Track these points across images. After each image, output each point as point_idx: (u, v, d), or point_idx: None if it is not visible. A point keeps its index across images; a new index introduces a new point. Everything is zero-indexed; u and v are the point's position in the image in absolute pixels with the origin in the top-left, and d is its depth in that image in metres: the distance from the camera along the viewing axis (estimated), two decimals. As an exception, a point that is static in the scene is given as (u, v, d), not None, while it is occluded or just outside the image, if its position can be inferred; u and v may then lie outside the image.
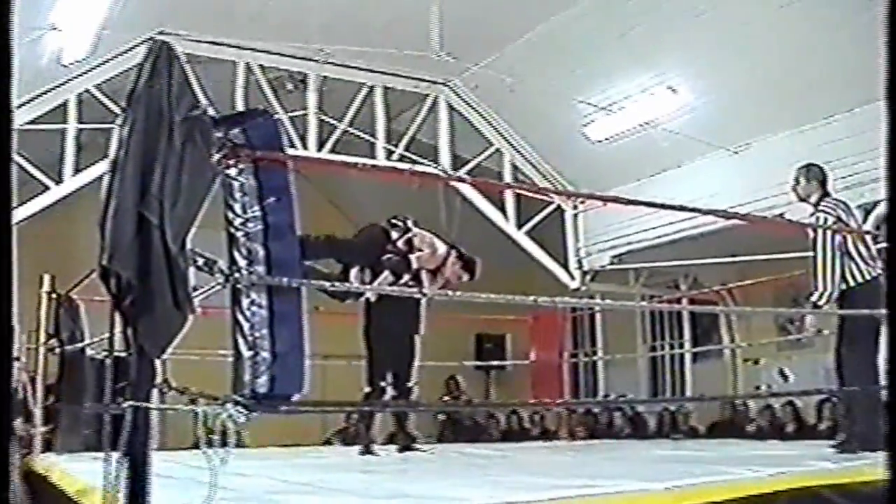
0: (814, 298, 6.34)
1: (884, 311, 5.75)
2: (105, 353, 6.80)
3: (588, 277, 13.60)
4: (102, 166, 10.07)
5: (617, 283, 14.19)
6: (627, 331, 15.90)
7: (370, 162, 11.16)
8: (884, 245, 10.23)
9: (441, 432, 14.14)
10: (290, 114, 11.33)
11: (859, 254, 6.38)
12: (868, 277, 6.30)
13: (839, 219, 6.46)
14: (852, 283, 6.28)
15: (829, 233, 6.28)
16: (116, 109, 10.26)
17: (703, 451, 7.08)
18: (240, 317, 3.38)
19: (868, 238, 7.32)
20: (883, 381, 6.17)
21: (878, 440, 5.60)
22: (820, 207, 6.58)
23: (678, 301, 14.18)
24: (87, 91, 10.65)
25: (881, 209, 9.85)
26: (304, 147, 11.32)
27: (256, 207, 3.43)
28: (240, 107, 10.46)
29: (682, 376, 15.57)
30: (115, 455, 2.80)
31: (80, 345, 7.25)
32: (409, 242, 6.98)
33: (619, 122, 11.75)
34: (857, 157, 9.83)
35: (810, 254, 9.77)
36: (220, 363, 5.23)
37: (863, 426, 6.01)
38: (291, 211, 3.52)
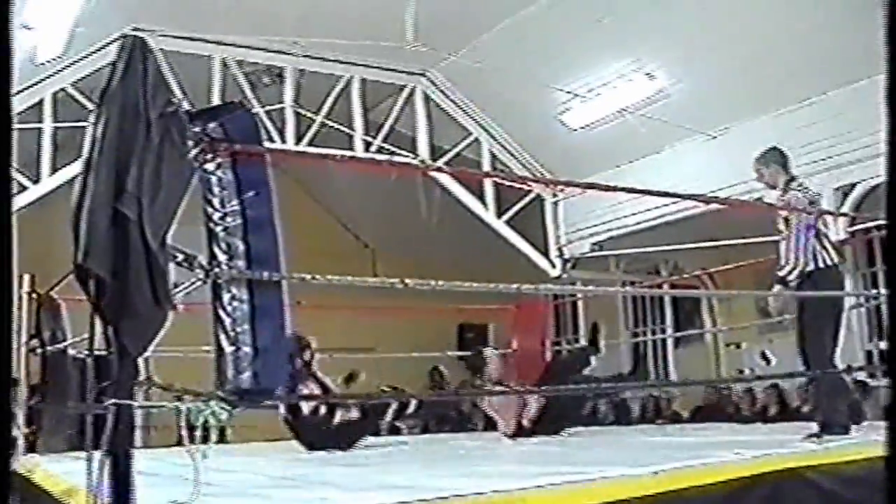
0: (782, 273, 6.26)
1: (847, 297, 5.91)
2: (87, 353, 6.77)
3: (569, 265, 13.62)
4: (79, 165, 10.12)
5: (597, 271, 14.20)
6: (609, 317, 15.93)
7: (348, 153, 11.15)
8: (858, 227, 10.37)
9: (426, 423, 14.12)
10: (267, 108, 11.30)
11: (827, 238, 6.40)
12: (831, 263, 6.29)
13: (812, 201, 6.42)
14: (821, 265, 6.23)
15: (807, 218, 6.22)
16: (92, 107, 10.20)
17: (688, 436, 7.10)
18: (221, 312, 3.36)
19: (832, 225, 7.53)
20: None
21: (841, 423, 5.84)
22: (792, 188, 6.49)
23: (659, 287, 14.22)
24: (63, 90, 10.59)
25: (858, 192, 9.91)
26: (283, 140, 11.30)
27: (235, 202, 3.41)
28: (216, 102, 10.42)
29: (664, 362, 15.63)
30: (98, 454, 2.78)
31: (61, 345, 7.20)
32: None
33: (597, 109, 11.77)
34: (834, 140, 9.90)
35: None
36: (202, 360, 5.22)
37: (829, 411, 6.09)
38: (270, 204, 3.50)
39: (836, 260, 6.38)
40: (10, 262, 2.19)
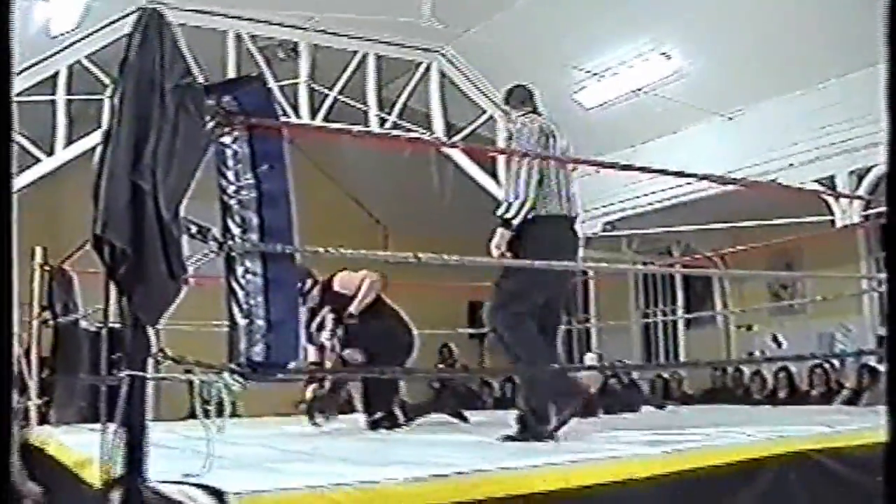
0: (500, 212, 5.17)
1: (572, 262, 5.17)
2: (99, 325, 6.80)
3: (581, 244, 13.60)
4: (94, 138, 10.17)
5: (609, 250, 14.19)
6: (620, 297, 15.94)
7: (366, 129, 11.15)
8: (872, 211, 10.32)
9: (435, 400, 14.17)
10: (282, 83, 11.27)
11: (557, 184, 5.25)
12: (558, 213, 5.24)
13: (548, 133, 5.38)
14: (537, 214, 5.15)
15: (529, 143, 5.28)
16: (107, 80, 10.23)
17: (698, 417, 7.10)
18: (234, 285, 3.38)
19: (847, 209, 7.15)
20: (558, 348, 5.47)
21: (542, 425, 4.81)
22: (521, 118, 5.54)
23: (671, 267, 14.21)
24: (78, 62, 10.59)
25: (873, 175, 9.86)
26: (297, 116, 11.28)
27: (250, 175, 3.42)
28: (231, 76, 10.41)
29: (675, 343, 15.63)
30: (111, 426, 2.79)
31: (73, 317, 7.23)
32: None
33: (613, 89, 11.74)
34: (851, 123, 9.84)
35: (801, 219, 9.87)
36: (213, 333, 5.23)
37: (528, 409, 4.98)
38: (285, 178, 3.51)
39: (564, 211, 5.29)
40: (10, 261, 2.20)
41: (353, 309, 6.55)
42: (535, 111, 5.62)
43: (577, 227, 5.51)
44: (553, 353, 5.39)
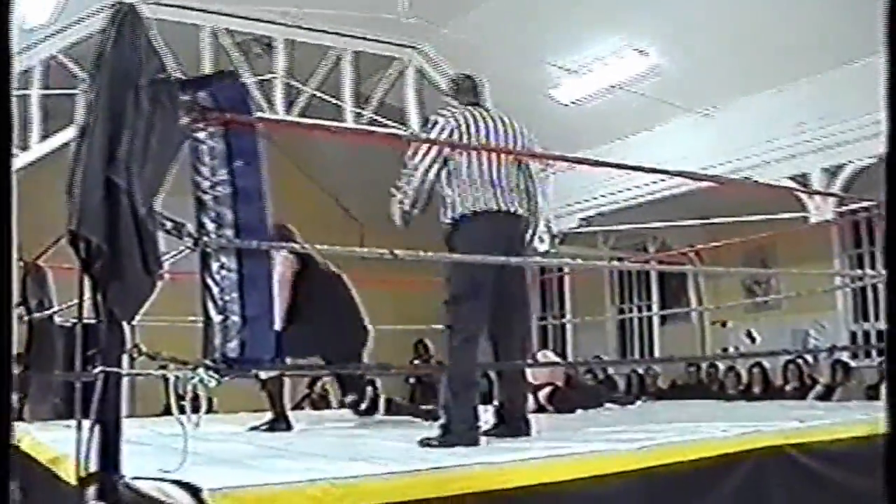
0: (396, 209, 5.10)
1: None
2: (74, 321, 6.76)
3: (556, 240, 13.63)
4: (69, 132, 10.05)
5: (585, 246, 14.23)
6: (596, 294, 16.00)
7: (342, 125, 11.15)
8: (846, 209, 10.39)
9: (412, 395, 14.19)
10: (257, 78, 11.24)
11: (484, 180, 4.89)
12: (486, 208, 4.87)
13: (465, 127, 5.02)
14: (464, 212, 4.87)
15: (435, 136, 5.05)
16: (82, 75, 10.16)
17: (672, 412, 7.13)
18: (209, 281, 3.37)
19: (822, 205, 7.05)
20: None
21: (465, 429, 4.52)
22: (439, 111, 5.27)
23: (646, 263, 14.27)
24: (52, 56, 10.53)
25: (847, 172, 9.92)
26: (272, 111, 11.24)
27: (225, 171, 3.41)
28: (207, 71, 10.37)
29: (650, 339, 15.70)
30: (86, 422, 2.79)
31: (47, 312, 7.20)
32: None
33: (589, 85, 11.76)
34: (825, 120, 9.91)
35: (775, 216, 9.93)
36: (187, 329, 5.21)
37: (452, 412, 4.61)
38: (260, 174, 3.50)
39: (497, 206, 4.90)
40: (10, 263, 2.19)
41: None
42: (475, 103, 5.27)
43: (521, 221, 5.02)
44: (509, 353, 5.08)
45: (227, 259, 3.35)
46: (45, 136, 10.45)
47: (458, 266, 4.80)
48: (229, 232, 3.37)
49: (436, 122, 5.10)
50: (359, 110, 11.98)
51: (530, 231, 5.15)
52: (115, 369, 2.77)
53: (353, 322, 6.68)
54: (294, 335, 6.07)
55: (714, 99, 11.13)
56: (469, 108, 5.19)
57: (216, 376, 3.08)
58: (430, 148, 4.97)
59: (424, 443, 4.41)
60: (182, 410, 3.00)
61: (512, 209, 4.93)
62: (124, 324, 2.87)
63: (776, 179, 10.19)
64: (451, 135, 4.99)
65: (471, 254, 4.67)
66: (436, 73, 12.52)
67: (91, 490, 2.74)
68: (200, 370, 3.06)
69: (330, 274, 6.61)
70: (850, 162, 9.83)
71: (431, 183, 4.98)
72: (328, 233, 7.15)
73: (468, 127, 5.01)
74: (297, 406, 12.59)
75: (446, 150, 4.95)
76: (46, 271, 7.27)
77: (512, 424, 4.87)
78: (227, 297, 3.32)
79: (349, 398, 6.72)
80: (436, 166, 4.95)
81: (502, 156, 4.99)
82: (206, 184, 3.37)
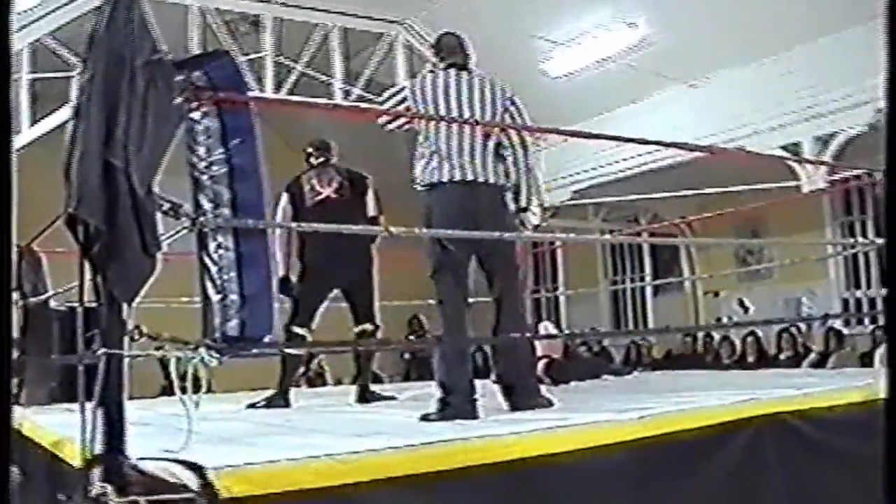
0: None
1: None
2: (69, 305, 6.76)
3: (548, 213, 13.64)
4: (59, 116, 10.07)
5: (577, 219, 14.25)
6: (589, 266, 16.03)
7: (336, 102, 11.14)
8: (837, 177, 10.41)
9: (407, 371, 14.22)
10: (246, 56, 11.20)
11: (450, 149, 4.85)
12: (450, 178, 4.82)
13: (422, 93, 4.99)
14: (430, 180, 4.87)
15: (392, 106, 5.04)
16: (71, 58, 10.14)
17: (668, 382, 7.16)
18: (207, 261, 3.38)
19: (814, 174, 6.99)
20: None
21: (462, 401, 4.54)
22: (424, 73, 5.29)
23: (638, 235, 14.29)
24: (39, 40, 10.48)
25: (838, 141, 9.93)
26: (261, 89, 11.21)
27: (220, 150, 3.41)
28: (195, 50, 10.34)
29: (643, 310, 15.75)
30: (89, 405, 2.80)
31: (43, 297, 7.18)
32: None
33: (579, 58, 11.73)
34: (815, 89, 9.90)
35: (767, 185, 9.94)
36: (182, 310, 5.22)
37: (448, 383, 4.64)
38: (256, 152, 3.50)
39: (459, 177, 4.82)
40: (9, 261, 2.20)
41: None
42: (458, 64, 5.15)
43: (492, 189, 4.93)
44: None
45: (225, 238, 3.35)
46: (34, 120, 10.41)
47: (432, 239, 4.82)
48: (226, 211, 3.38)
49: (393, 93, 5.14)
50: (348, 87, 11.95)
51: (520, 197, 5.10)
52: (117, 351, 2.78)
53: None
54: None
55: (704, 69, 11.10)
56: (447, 69, 5.11)
57: (217, 356, 3.09)
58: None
59: (424, 418, 4.43)
60: (184, 391, 3.01)
61: (474, 178, 4.84)
62: (124, 305, 2.87)
63: (768, 149, 10.20)
64: (402, 101, 4.99)
65: (440, 225, 4.70)
66: (425, 47, 12.48)
67: (97, 472, 2.75)
68: (202, 350, 3.06)
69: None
70: (841, 130, 9.83)
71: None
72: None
73: (424, 93, 4.96)
74: (294, 384, 12.62)
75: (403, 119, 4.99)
76: (41, 256, 7.25)
77: (521, 396, 4.79)
78: (225, 277, 3.32)
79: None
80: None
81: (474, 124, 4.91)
82: (202, 163, 3.37)
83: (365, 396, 6.75)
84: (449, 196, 4.82)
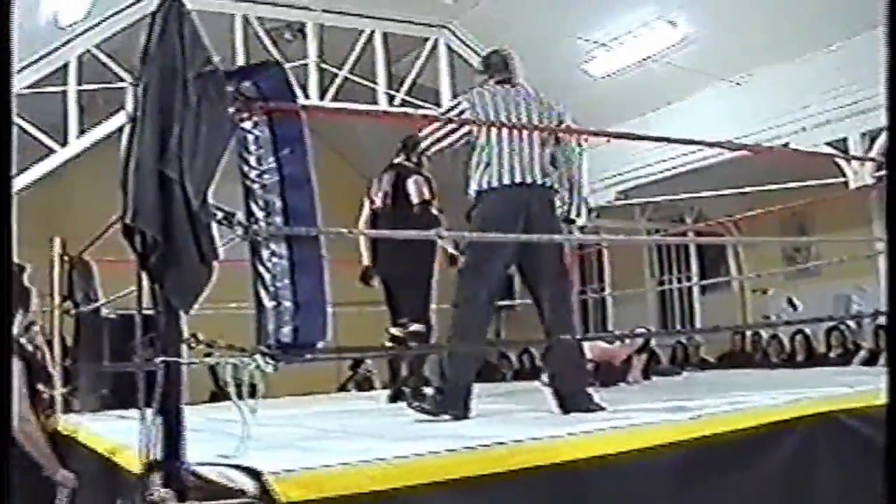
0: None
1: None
2: (120, 313, 6.86)
3: (594, 214, 13.63)
4: (107, 126, 10.21)
5: (622, 219, 14.22)
6: (635, 266, 15.96)
7: (382, 108, 11.22)
8: (885, 173, 10.30)
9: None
10: (290, 64, 11.29)
11: (503, 155, 4.98)
12: (501, 183, 4.94)
13: (483, 107, 5.09)
14: (480, 188, 4.99)
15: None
16: (117, 69, 10.29)
17: (718, 382, 7.14)
18: (260, 268, 3.41)
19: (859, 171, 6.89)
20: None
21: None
22: (465, 92, 5.42)
23: (684, 234, 14.22)
24: (87, 51, 10.64)
25: (885, 136, 9.84)
26: (306, 96, 11.30)
27: (272, 159, 3.44)
28: (240, 60, 10.47)
29: (690, 309, 15.66)
30: (148, 412, 2.85)
31: (94, 305, 7.29)
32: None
33: (621, 58, 11.73)
34: (860, 84, 9.81)
35: (813, 182, 9.87)
36: (231, 316, 5.27)
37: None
38: (306, 161, 3.53)
39: (508, 180, 4.96)
40: (10, 272, 2.24)
41: None
42: (506, 79, 5.29)
43: (544, 190, 5.05)
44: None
45: (278, 246, 3.38)
46: (82, 132, 10.56)
47: (471, 242, 4.97)
48: (278, 219, 3.41)
49: (452, 107, 5.29)
50: (392, 92, 12.02)
51: (567, 202, 5.21)
52: (176, 359, 2.83)
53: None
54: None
55: (747, 67, 11.06)
56: (496, 85, 5.24)
57: (272, 362, 3.13)
58: (449, 129, 5.08)
59: (416, 407, 4.72)
60: (240, 396, 3.05)
61: (529, 180, 4.96)
62: (181, 313, 2.92)
63: (813, 146, 10.13)
64: (461, 114, 5.11)
65: (483, 228, 4.84)
66: (467, 51, 12.52)
67: (156, 477, 2.80)
68: (257, 356, 3.10)
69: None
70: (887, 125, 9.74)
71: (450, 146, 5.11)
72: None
73: (484, 105, 5.09)
74: (342, 388, 12.70)
75: (464, 129, 5.05)
76: (92, 265, 7.35)
77: (567, 401, 4.80)
78: (278, 284, 3.35)
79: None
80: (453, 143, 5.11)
81: (524, 131, 5.03)
82: (253, 173, 3.40)
83: (398, 397, 6.86)
84: (502, 197, 4.94)
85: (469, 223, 5.01)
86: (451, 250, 6.77)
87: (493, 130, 4.98)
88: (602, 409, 4.72)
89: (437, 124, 5.19)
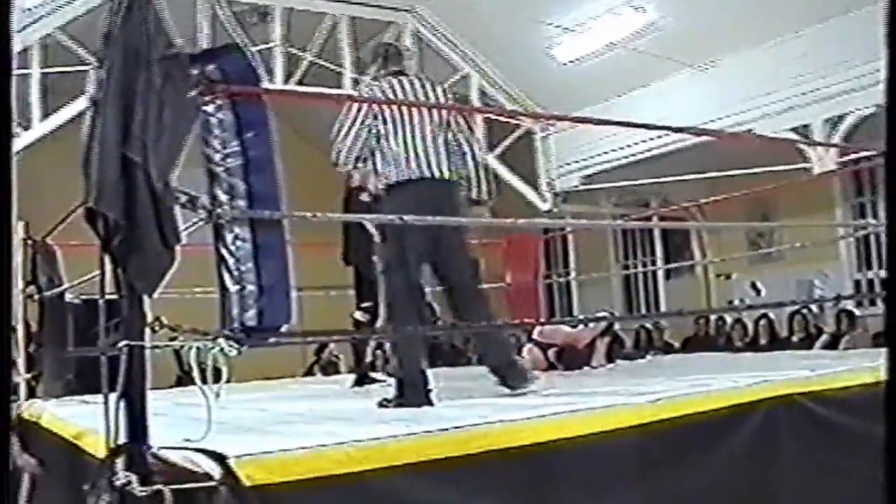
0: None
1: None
2: (84, 298, 6.82)
3: (559, 199, 13.67)
4: (70, 110, 10.13)
5: (587, 204, 14.26)
6: (600, 250, 16.02)
7: (347, 92, 11.18)
8: (847, 158, 10.40)
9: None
10: (256, 47, 11.22)
11: (409, 148, 5.01)
12: (405, 178, 4.99)
13: (393, 95, 5.12)
14: (391, 181, 5.01)
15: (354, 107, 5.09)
16: (81, 52, 10.20)
17: (682, 365, 7.19)
18: (224, 252, 3.40)
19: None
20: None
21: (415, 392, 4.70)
22: (367, 83, 5.57)
23: (649, 219, 14.29)
24: (50, 34, 10.54)
25: (848, 122, 9.94)
26: (271, 80, 11.25)
27: (235, 142, 3.43)
28: (204, 42, 10.40)
29: (655, 293, 15.74)
30: (112, 396, 2.84)
31: (58, 290, 7.24)
32: None
33: (587, 43, 11.75)
34: (824, 71, 9.89)
35: (777, 168, 9.95)
36: (198, 300, 5.25)
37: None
38: (270, 144, 3.53)
39: (416, 175, 5.00)
40: (10, 270, 2.23)
41: None
42: (399, 71, 5.34)
43: (448, 184, 5.12)
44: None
45: (241, 230, 3.37)
46: (45, 115, 10.47)
47: (387, 237, 5.04)
48: (242, 203, 3.40)
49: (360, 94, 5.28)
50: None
51: (474, 190, 5.27)
52: (139, 343, 2.83)
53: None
54: None
55: (713, 53, 11.11)
56: (391, 77, 5.26)
57: (237, 346, 3.13)
58: (358, 112, 5.03)
59: (381, 404, 4.67)
60: (204, 381, 3.05)
61: (437, 174, 5.03)
62: (145, 297, 2.91)
63: (777, 132, 10.20)
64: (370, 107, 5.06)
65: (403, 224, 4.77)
66: (434, 35, 12.51)
67: (120, 461, 2.80)
68: (221, 340, 3.10)
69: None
70: (851, 112, 9.83)
71: (362, 142, 5.05)
72: (328, 199, 7.27)
73: (395, 94, 5.10)
74: (308, 372, 12.69)
75: (370, 120, 5.01)
76: (55, 249, 7.30)
77: (501, 372, 4.96)
78: (242, 268, 3.35)
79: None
80: (363, 133, 5.04)
81: (426, 122, 5.09)
82: (217, 156, 3.39)
83: (362, 381, 6.95)
84: (411, 192, 4.95)
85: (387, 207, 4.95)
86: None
87: (397, 124, 5.03)
88: (532, 381, 4.88)
89: (337, 130, 5.13)
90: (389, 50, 5.51)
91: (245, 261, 3.38)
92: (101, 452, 2.93)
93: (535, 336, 7.66)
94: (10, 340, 2.09)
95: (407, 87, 5.20)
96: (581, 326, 7.95)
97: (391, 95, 5.09)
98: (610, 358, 7.84)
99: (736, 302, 14.05)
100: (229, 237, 3.38)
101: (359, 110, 5.03)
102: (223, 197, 3.41)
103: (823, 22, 9.78)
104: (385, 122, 5.01)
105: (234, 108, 3.44)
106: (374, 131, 5.03)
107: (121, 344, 2.81)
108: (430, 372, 4.88)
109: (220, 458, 2.71)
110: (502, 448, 3.24)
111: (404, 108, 5.04)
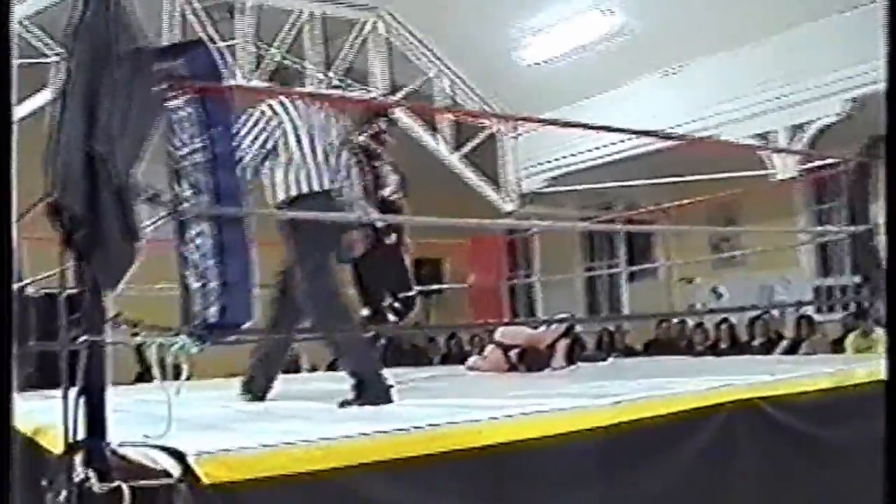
0: None
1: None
2: (46, 292, 6.76)
3: (525, 200, 13.70)
4: (32, 102, 10.02)
5: (552, 206, 14.29)
6: (564, 252, 16.06)
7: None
8: (810, 166, 10.50)
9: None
10: (223, 43, 11.18)
11: (315, 160, 4.97)
12: (318, 189, 4.97)
13: (281, 114, 4.96)
14: (305, 191, 4.94)
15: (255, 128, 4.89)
16: (44, 44, 10.11)
17: (643, 368, 7.21)
18: (187, 248, 3.39)
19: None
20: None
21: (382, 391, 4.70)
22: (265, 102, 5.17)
23: (612, 222, 14.35)
24: (18, 23, 10.43)
25: (811, 130, 10.03)
26: (238, 76, 11.20)
27: (201, 138, 3.42)
28: (168, 37, 10.35)
29: (618, 296, 15.80)
30: (71, 391, 2.82)
31: (19, 284, 7.17)
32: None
33: (554, 45, 11.78)
34: (790, 78, 9.98)
35: (741, 173, 10.02)
36: (160, 297, 5.22)
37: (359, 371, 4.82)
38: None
39: (316, 187, 4.96)
40: (10, 269, 2.21)
41: None
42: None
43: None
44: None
45: (205, 226, 3.37)
46: (7, 107, 10.36)
47: (306, 248, 4.88)
48: (206, 199, 3.39)
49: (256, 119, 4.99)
50: (326, 74, 11.96)
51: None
52: (100, 338, 2.80)
53: None
54: None
55: (679, 58, 11.18)
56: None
57: (198, 342, 3.11)
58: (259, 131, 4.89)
59: (343, 404, 4.59)
60: (165, 377, 3.03)
61: (329, 187, 5.03)
62: (106, 292, 2.89)
63: (741, 137, 10.27)
64: (278, 124, 4.95)
65: (315, 232, 4.85)
66: (401, 35, 12.50)
67: (78, 457, 2.78)
68: (182, 336, 3.09)
69: None
70: (814, 119, 9.93)
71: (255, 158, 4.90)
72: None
73: (287, 111, 4.99)
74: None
75: (276, 135, 4.91)
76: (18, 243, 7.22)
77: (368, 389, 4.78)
78: (205, 264, 3.34)
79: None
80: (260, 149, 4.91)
81: (328, 136, 5.08)
82: (182, 151, 3.38)
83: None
84: (319, 203, 4.93)
85: (289, 229, 4.87)
86: None
87: (302, 136, 4.98)
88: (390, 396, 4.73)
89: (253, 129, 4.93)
90: (290, 70, 5.38)
91: (208, 257, 3.37)
92: (60, 448, 2.90)
93: (496, 337, 7.66)
94: (11, 340, 2.06)
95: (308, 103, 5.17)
96: (543, 328, 7.94)
97: (295, 108, 5.03)
98: (571, 360, 7.85)
99: (698, 306, 14.13)
100: (193, 233, 3.37)
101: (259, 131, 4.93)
102: (187, 193, 3.40)
103: (789, 30, 9.86)
104: (284, 136, 4.94)
105: (199, 104, 3.43)
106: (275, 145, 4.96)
107: (81, 339, 2.79)
108: (391, 371, 4.88)
109: (179, 456, 2.69)
110: (464, 448, 3.24)
111: (303, 123, 5.02)
